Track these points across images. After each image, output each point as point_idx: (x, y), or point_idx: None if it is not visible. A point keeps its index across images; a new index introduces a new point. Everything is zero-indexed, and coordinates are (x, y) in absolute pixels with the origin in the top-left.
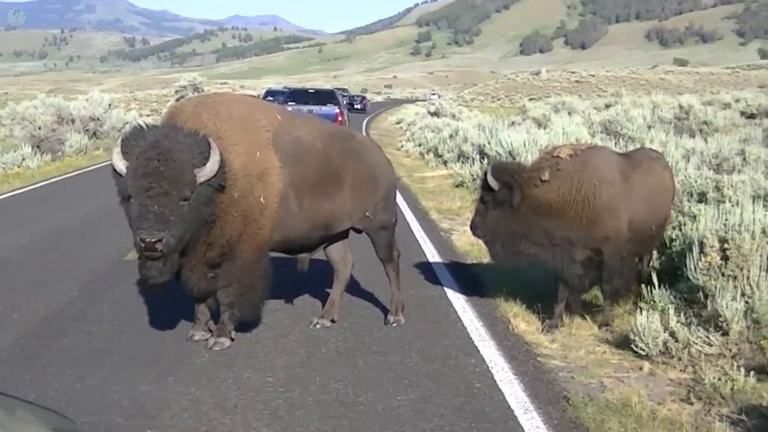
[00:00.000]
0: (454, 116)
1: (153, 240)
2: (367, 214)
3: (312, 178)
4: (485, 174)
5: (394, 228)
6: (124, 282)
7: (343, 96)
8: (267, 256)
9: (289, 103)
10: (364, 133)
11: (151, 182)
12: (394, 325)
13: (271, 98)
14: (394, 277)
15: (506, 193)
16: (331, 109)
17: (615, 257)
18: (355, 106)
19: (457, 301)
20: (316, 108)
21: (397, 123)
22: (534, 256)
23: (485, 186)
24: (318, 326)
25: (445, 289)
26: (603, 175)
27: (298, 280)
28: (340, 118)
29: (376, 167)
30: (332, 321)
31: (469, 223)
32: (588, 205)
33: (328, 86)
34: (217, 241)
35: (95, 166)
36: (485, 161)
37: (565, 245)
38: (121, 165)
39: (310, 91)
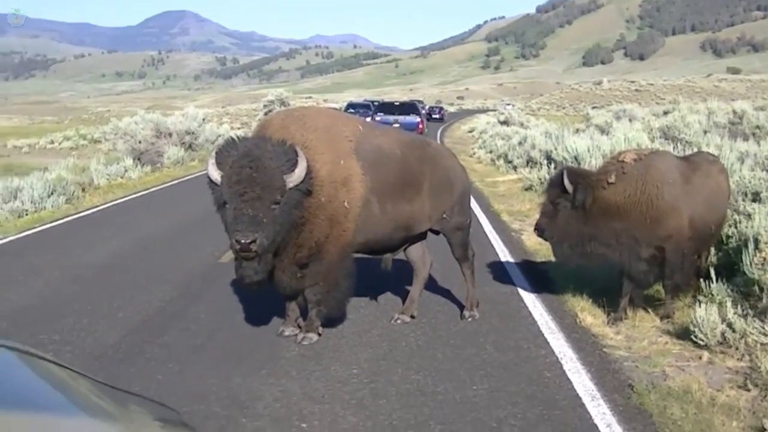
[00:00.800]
0: (522, 124)
1: (248, 241)
2: (444, 216)
3: (392, 183)
4: (560, 177)
5: (469, 229)
6: (218, 283)
7: (421, 106)
8: (350, 256)
9: (379, 114)
10: (439, 142)
11: (245, 188)
12: (470, 319)
13: (352, 110)
14: (469, 275)
15: (579, 195)
16: (413, 118)
17: (677, 254)
18: (434, 116)
19: (528, 297)
20: (400, 118)
21: (470, 132)
22: (601, 255)
23: (556, 188)
24: (399, 321)
25: (516, 286)
26: (665, 178)
27: (380, 278)
28: (420, 126)
29: (451, 172)
30: (412, 317)
31: (537, 221)
32: (652, 205)
33: (406, 99)
34: (306, 243)
35: (190, 176)
36: (553, 166)
37: (631, 244)
38: (216, 174)
39: (395, 103)
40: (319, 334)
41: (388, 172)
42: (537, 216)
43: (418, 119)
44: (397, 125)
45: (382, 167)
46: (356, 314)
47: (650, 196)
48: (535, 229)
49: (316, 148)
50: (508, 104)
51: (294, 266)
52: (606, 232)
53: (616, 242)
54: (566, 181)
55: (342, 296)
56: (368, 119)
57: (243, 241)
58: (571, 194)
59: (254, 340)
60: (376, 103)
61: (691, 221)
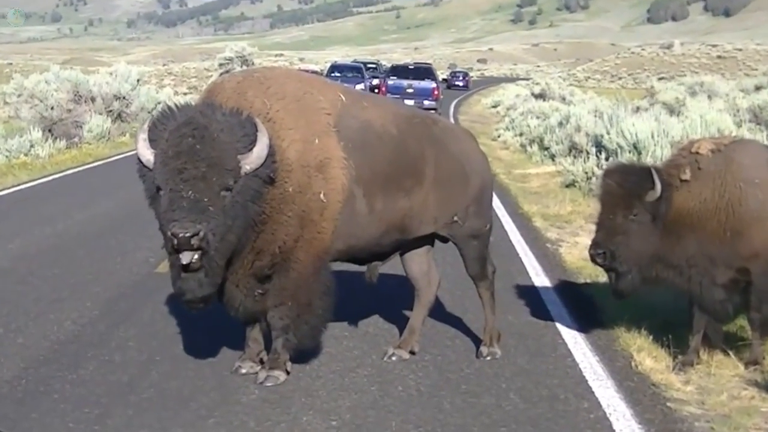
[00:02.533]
0: (564, 99)
1: (187, 234)
2: (455, 218)
3: (385, 172)
4: (641, 175)
5: (489, 237)
6: (154, 300)
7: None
8: (328, 267)
9: (391, 77)
10: (452, 119)
11: (184, 163)
12: (488, 358)
13: (336, 75)
14: (488, 298)
15: (664, 201)
16: (428, 84)
17: (766, 279)
18: (456, 83)
19: (567, 330)
20: (414, 83)
21: (493, 107)
22: (666, 280)
23: (628, 193)
24: (394, 358)
25: (552, 314)
26: (751, 176)
27: (370, 299)
28: (436, 93)
29: (465, 159)
30: (411, 352)
31: (590, 244)
32: (732, 213)
33: (407, 60)
34: (267, 248)
35: (120, 156)
36: (604, 156)
37: (705, 264)
38: (147, 154)
39: (409, 66)
40: (287, 373)
41: (378, 156)
42: (583, 222)
43: (434, 85)
44: (411, 90)
45: (371, 150)
46: (337, 347)
47: (731, 201)
48: (594, 254)
49: (282, 121)
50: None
51: (251, 279)
52: (675, 249)
53: (686, 264)
54: (657, 183)
55: (317, 321)
56: (359, 87)
57: (181, 233)
58: (656, 201)
59: (200, 377)
60: (371, 66)
61: None
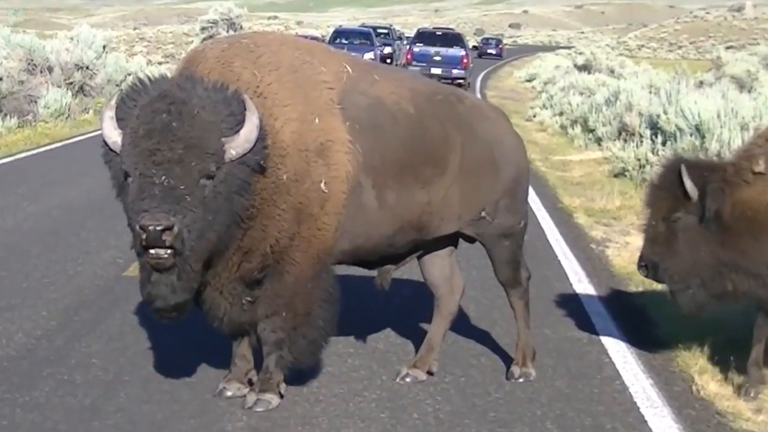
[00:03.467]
0: (612, 72)
1: (159, 227)
2: (483, 214)
3: (399, 158)
4: (673, 175)
5: (523, 237)
6: (123, 308)
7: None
8: (330, 271)
9: (417, 44)
10: (479, 95)
11: (157, 144)
12: (521, 380)
13: (342, 42)
14: (521, 309)
15: (711, 200)
16: (456, 51)
17: None
18: (489, 51)
19: (615, 347)
20: (442, 50)
21: (528, 81)
22: (745, 293)
23: (667, 195)
24: (408, 379)
25: (597, 328)
26: None
27: (380, 309)
28: (465, 61)
29: (496, 144)
30: (429, 373)
31: (639, 252)
32: None
33: (427, 24)
34: (256, 247)
35: (82, 137)
36: (660, 140)
37: None
38: (115, 135)
39: (437, 33)
40: (281, 396)
41: (391, 139)
42: (635, 219)
43: (463, 52)
44: (438, 58)
45: (382, 132)
46: (340, 366)
47: None
48: (640, 266)
49: (275, 97)
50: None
51: (238, 284)
52: (752, 254)
53: (767, 270)
54: (687, 182)
55: (317, 335)
56: (368, 56)
57: (151, 226)
58: (697, 202)
59: (177, 401)
60: (382, 32)
61: None
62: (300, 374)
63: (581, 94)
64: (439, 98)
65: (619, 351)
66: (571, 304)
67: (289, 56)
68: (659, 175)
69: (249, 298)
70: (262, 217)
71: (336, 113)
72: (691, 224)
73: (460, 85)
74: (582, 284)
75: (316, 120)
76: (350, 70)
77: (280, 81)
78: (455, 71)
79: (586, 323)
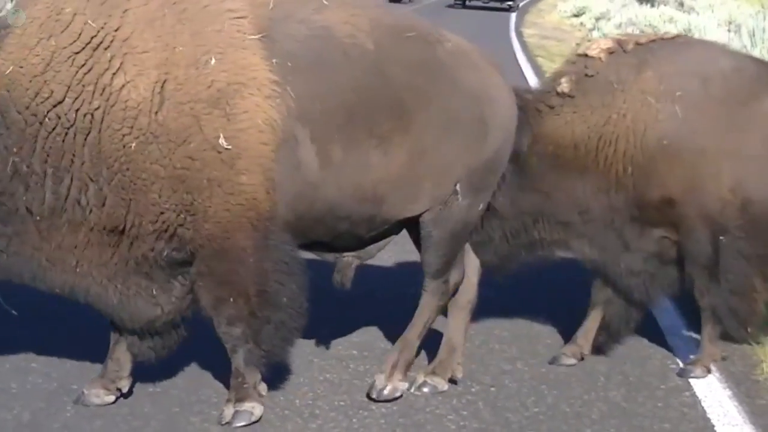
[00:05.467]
0: (681, 5)
1: None
2: (456, 187)
3: (348, 106)
4: None
5: (473, 226)
6: (70, 304)
7: None
8: (280, 238)
9: None
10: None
11: None
12: (385, 393)
13: None
14: (426, 311)
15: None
16: None
17: (701, 240)
18: None
19: (683, 349)
20: None
21: (575, 16)
22: (559, 244)
23: None
24: (426, 389)
25: (662, 325)
26: (669, 89)
27: (388, 303)
28: None
29: (487, 101)
30: (452, 381)
31: None
32: (636, 140)
33: None
34: (132, 225)
35: None
36: None
37: (607, 218)
38: None
39: None
40: (260, 398)
41: (339, 80)
42: None
43: None
44: None
45: (327, 71)
46: (341, 372)
47: (635, 124)
48: None
49: (124, 46)
50: None
51: (134, 274)
52: (560, 198)
53: (579, 219)
54: None
55: (284, 316)
56: None
57: None
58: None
59: (137, 416)
60: None
61: (745, 187)
62: (280, 377)
63: (643, 32)
64: (412, 36)
65: (689, 355)
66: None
67: None
68: None
69: (179, 283)
70: (115, 191)
71: (251, 48)
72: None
73: (508, 9)
74: None
75: (212, 61)
76: None
77: (137, 23)
78: None
79: (647, 319)
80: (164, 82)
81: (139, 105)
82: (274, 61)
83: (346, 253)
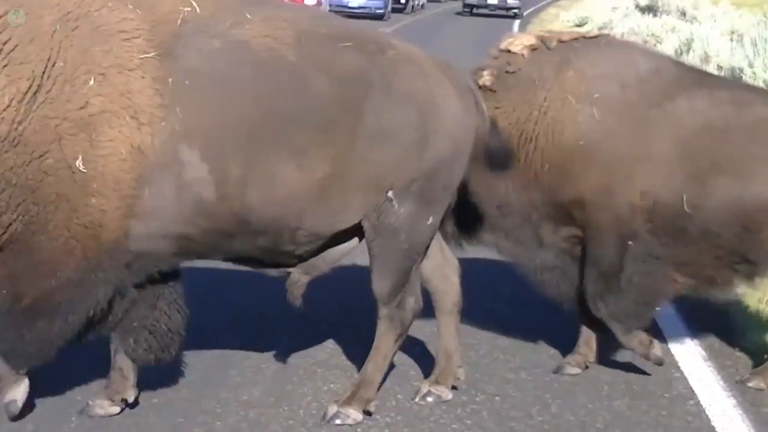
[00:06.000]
0: (684, 14)
1: None
2: (389, 194)
3: (253, 119)
4: None
5: (426, 246)
6: None
7: None
8: (113, 275)
9: None
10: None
11: None
12: (337, 422)
13: None
14: (383, 342)
15: None
16: None
17: (605, 244)
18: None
19: (688, 357)
20: None
21: (578, 26)
22: (478, 238)
23: None
24: (430, 399)
25: (666, 332)
26: (589, 90)
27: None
28: None
29: (428, 109)
30: (455, 387)
31: None
32: (553, 139)
33: None
34: None
35: None
36: None
37: (525, 214)
38: None
39: None
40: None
41: (245, 97)
42: None
43: None
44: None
45: (233, 84)
46: (342, 380)
47: (554, 123)
48: None
49: (19, 44)
50: None
51: None
52: (482, 191)
53: (498, 212)
54: None
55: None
56: None
57: None
58: None
59: (141, 427)
60: None
61: (656, 191)
62: (293, 391)
63: (645, 42)
64: (346, 46)
65: (692, 362)
66: None
67: (70, 5)
68: None
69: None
70: None
71: (140, 69)
72: None
73: (515, 15)
74: None
75: (91, 81)
76: (198, 9)
77: (25, 36)
78: (510, 0)
79: (650, 326)
80: (34, 93)
81: (2, 113)
82: (169, 80)
83: (291, 270)
